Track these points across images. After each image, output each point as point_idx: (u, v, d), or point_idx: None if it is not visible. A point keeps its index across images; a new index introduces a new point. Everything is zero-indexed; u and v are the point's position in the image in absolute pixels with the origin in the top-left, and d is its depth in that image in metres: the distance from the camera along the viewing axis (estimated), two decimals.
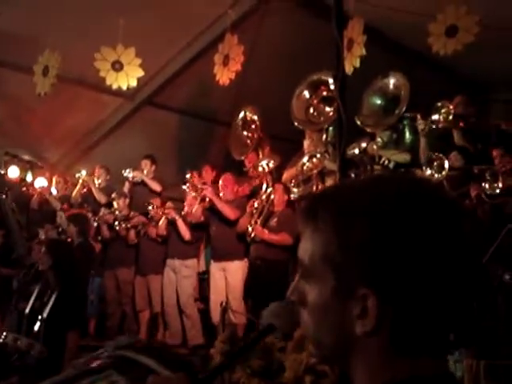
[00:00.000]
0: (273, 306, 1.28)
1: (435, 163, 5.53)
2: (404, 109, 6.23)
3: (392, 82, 6.47)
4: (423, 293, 0.84)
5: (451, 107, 5.63)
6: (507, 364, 3.75)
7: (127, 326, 7.72)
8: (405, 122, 6.58)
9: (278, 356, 4.01)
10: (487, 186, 5.22)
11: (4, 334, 4.37)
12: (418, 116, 5.88)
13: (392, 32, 7.18)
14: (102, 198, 8.15)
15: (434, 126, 5.75)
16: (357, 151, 6.32)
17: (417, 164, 6.19)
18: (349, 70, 5.74)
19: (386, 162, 6.33)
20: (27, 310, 4.77)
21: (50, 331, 4.79)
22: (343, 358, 0.91)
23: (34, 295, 4.86)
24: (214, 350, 4.88)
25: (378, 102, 6.55)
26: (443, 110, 5.63)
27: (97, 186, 8.25)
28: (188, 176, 7.20)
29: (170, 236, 7.37)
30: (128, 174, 7.96)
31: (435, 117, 5.66)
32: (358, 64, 5.71)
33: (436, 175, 5.43)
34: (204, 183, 7.26)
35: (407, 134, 6.70)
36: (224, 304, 5.00)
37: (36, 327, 4.69)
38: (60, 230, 7.57)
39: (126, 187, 8.10)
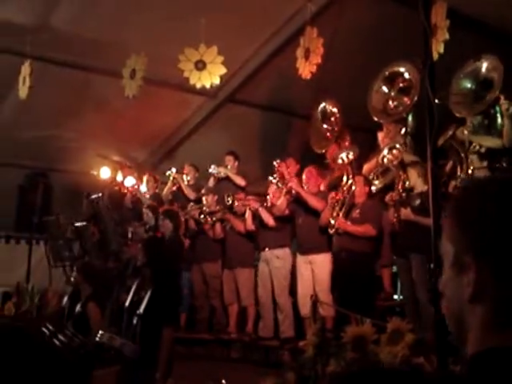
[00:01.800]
0: None
1: None
2: (497, 93, 6.02)
3: (485, 65, 6.25)
4: None
5: None
6: None
7: (217, 320, 7.90)
8: (496, 107, 6.34)
9: (372, 348, 3.98)
10: None
11: (100, 332, 4.52)
12: (502, 97, 5.65)
13: (478, 14, 6.91)
14: (191, 195, 8.37)
15: None
16: (441, 141, 6.14)
17: (506, 149, 5.96)
18: (435, 56, 5.60)
19: (478, 147, 6.12)
20: (127, 304, 4.97)
21: (146, 326, 4.98)
22: (461, 328, 1.06)
23: (132, 290, 5.05)
24: (305, 343, 4.92)
25: (469, 85, 6.34)
26: None
27: (186, 183, 8.47)
28: (276, 164, 7.25)
29: (258, 229, 7.46)
30: (213, 170, 8.13)
31: None
32: (442, 50, 5.55)
33: None
34: (289, 175, 7.30)
35: (499, 119, 6.45)
36: (314, 297, 5.01)
37: (134, 321, 4.88)
38: (147, 227, 7.86)
39: (211, 183, 8.28)
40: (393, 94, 6.77)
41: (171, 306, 6.14)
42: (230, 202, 7.57)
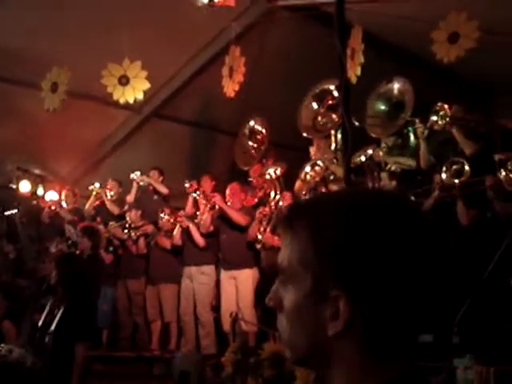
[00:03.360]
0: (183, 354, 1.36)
1: (454, 167, 5.54)
2: (409, 114, 6.30)
3: (396, 87, 6.53)
4: (390, 295, 0.89)
5: (446, 108, 5.65)
6: None
7: (139, 337, 7.80)
8: (409, 128, 6.63)
9: (289, 366, 4.07)
10: (503, 174, 5.12)
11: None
12: (417, 120, 5.94)
13: (394, 38, 7.24)
14: (114, 210, 8.26)
15: (433, 128, 5.79)
16: (363, 158, 6.39)
17: (421, 170, 6.25)
18: (353, 79, 5.83)
19: (392, 167, 6.39)
20: (40, 323, 4.86)
21: (58, 344, 4.88)
22: (318, 362, 0.95)
23: (46, 309, 4.94)
24: (225, 359, 4.96)
25: (383, 107, 6.61)
26: (441, 113, 5.67)
27: (109, 198, 8.35)
28: (187, 186, 7.30)
29: (184, 244, 7.45)
30: (135, 176, 8.07)
31: (433, 118, 5.69)
32: (359, 72, 5.78)
33: (455, 180, 5.45)
34: (203, 191, 7.35)
35: (412, 139, 6.75)
36: (234, 314, 5.06)
37: (46, 339, 4.78)
38: (70, 242, 7.68)
39: (132, 194, 8.18)
40: (322, 110, 6.97)
41: (84, 322, 6.05)
42: (164, 217, 7.51)
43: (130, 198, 8.21)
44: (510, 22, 6.09)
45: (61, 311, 4.78)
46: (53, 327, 4.73)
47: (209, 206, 7.15)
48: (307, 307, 0.92)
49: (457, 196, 5.57)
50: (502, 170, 5.03)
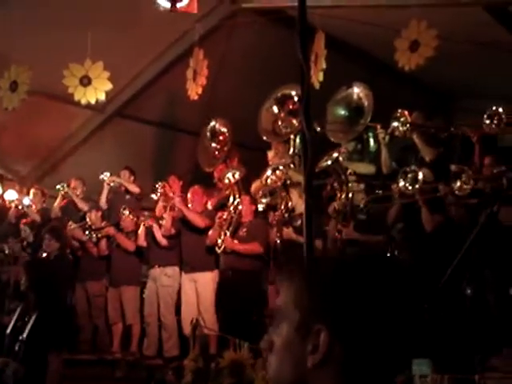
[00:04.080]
0: None
1: (409, 176, 5.61)
2: (369, 119, 6.35)
3: (356, 92, 6.57)
4: (365, 332, 1.03)
5: (407, 114, 5.72)
6: (470, 378, 3.88)
7: (100, 339, 7.72)
8: (369, 133, 6.70)
9: (249, 372, 4.09)
10: (458, 184, 5.21)
11: None
12: (378, 126, 6.00)
13: (357, 43, 7.30)
14: (85, 208, 8.11)
15: (394, 135, 5.85)
16: (330, 162, 6.43)
17: (381, 175, 6.32)
18: (316, 84, 5.87)
19: (352, 173, 6.44)
20: (9, 330, 4.76)
21: (30, 352, 4.79)
22: None
23: (16, 314, 4.84)
24: (186, 363, 4.94)
25: (342, 112, 6.65)
26: (402, 119, 5.73)
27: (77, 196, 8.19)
28: (158, 186, 7.25)
29: (149, 245, 7.40)
30: (105, 176, 7.97)
31: (394, 124, 5.76)
32: (321, 78, 5.81)
33: (409, 188, 5.52)
34: (173, 193, 7.32)
35: (372, 145, 6.82)
36: (194, 320, 5.05)
37: (16, 347, 4.68)
38: (25, 243, 7.53)
39: (104, 194, 8.09)
40: (282, 115, 6.98)
41: (58, 330, 5.96)
42: (126, 214, 7.44)
43: (102, 199, 8.10)
44: (470, 29, 6.22)
45: (33, 319, 4.69)
46: (25, 335, 4.64)
47: (168, 207, 7.12)
48: (294, 341, 1.05)
49: (420, 202, 5.64)
50: (458, 181, 5.13)
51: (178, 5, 4.80)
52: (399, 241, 6.07)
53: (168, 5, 4.84)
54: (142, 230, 7.40)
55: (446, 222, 5.60)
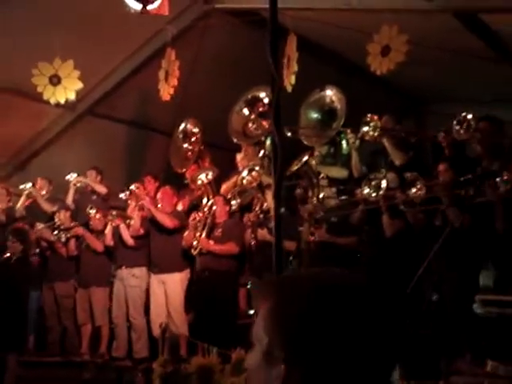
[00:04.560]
0: None
1: (373, 183, 5.65)
2: (342, 123, 6.37)
3: (329, 95, 6.58)
4: (323, 362, 1.02)
5: (376, 119, 5.75)
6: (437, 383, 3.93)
7: (68, 341, 7.62)
8: (342, 136, 6.72)
9: (218, 377, 4.07)
10: (413, 191, 5.26)
11: None
12: (348, 130, 6.03)
13: (331, 46, 7.31)
14: (49, 209, 7.99)
15: (365, 139, 5.88)
16: (300, 165, 6.44)
17: (353, 179, 6.35)
18: (288, 87, 5.87)
19: (325, 176, 6.46)
20: None
21: None
22: None
23: None
24: (155, 368, 4.90)
25: (316, 115, 6.65)
26: (372, 123, 5.76)
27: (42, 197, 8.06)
28: (133, 187, 7.19)
29: (116, 245, 7.34)
30: (70, 177, 7.87)
31: (364, 129, 5.79)
32: (293, 81, 5.81)
33: (373, 194, 5.57)
34: (147, 194, 7.27)
35: (344, 148, 6.84)
36: (164, 325, 5.02)
37: None
38: None
39: (70, 195, 7.98)
40: (253, 117, 6.97)
41: (16, 331, 5.87)
42: (93, 213, 7.36)
43: (68, 199, 7.99)
44: (441, 35, 6.28)
45: None
46: None
47: (137, 207, 7.07)
48: (262, 366, 1.06)
49: (383, 208, 5.69)
50: (413, 188, 5.20)
51: (149, 7, 4.74)
52: (367, 243, 6.13)
53: (139, 7, 4.77)
54: (108, 230, 7.36)
55: (406, 228, 5.66)
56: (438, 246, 4.57)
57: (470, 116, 5.19)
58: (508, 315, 3.82)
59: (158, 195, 7.20)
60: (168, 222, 6.89)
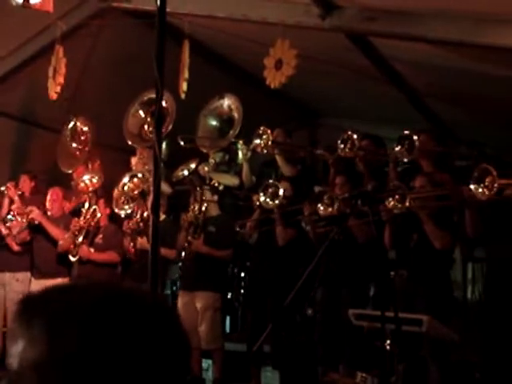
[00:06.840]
0: None
1: (270, 190, 5.69)
2: (237, 131, 6.41)
3: (226, 103, 6.60)
4: None
5: (269, 132, 5.82)
6: None
7: None
8: (238, 145, 6.76)
9: None
10: (321, 207, 5.32)
11: None
12: (241, 142, 6.07)
13: (230, 54, 7.33)
14: None
15: (256, 151, 5.94)
16: (186, 172, 6.39)
17: (244, 187, 6.41)
18: (182, 94, 5.81)
19: (216, 184, 6.47)
20: None
21: None
22: None
23: None
24: None
25: (214, 122, 6.65)
26: (264, 136, 5.83)
27: None
28: (3, 189, 6.84)
29: None
30: None
31: (257, 141, 5.84)
32: (185, 88, 5.76)
33: (270, 202, 5.62)
34: (22, 193, 6.90)
35: (240, 157, 6.89)
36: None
37: None
38: None
39: None
40: (149, 119, 6.82)
41: None
42: None
43: None
44: (333, 52, 6.44)
45: None
46: None
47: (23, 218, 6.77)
48: None
49: (276, 216, 5.76)
50: (319, 203, 5.29)
51: (32, 1, 4.50)
52: (254, 252, 6.19)
53: (20, 0, 4.51)
54: None
55: (298, 237, 5.77)
56: (317, 258, 4.65)
57: (355, 136, 5.35)
58: (376, 329, 3.97)
59: (48, 197, 6.90)
60: (60, 234, 6.66)
